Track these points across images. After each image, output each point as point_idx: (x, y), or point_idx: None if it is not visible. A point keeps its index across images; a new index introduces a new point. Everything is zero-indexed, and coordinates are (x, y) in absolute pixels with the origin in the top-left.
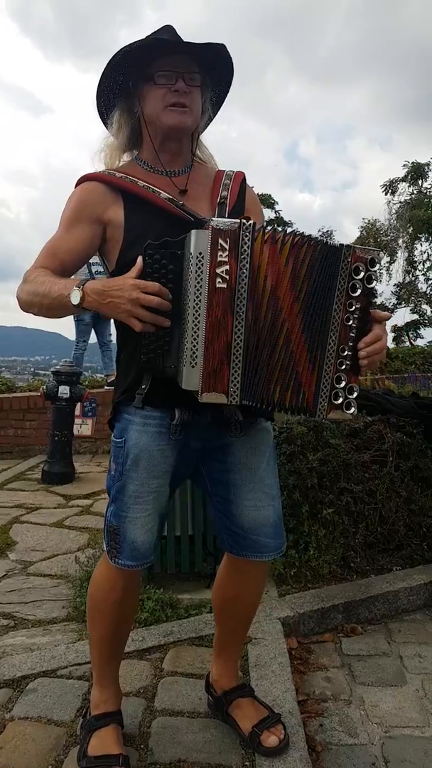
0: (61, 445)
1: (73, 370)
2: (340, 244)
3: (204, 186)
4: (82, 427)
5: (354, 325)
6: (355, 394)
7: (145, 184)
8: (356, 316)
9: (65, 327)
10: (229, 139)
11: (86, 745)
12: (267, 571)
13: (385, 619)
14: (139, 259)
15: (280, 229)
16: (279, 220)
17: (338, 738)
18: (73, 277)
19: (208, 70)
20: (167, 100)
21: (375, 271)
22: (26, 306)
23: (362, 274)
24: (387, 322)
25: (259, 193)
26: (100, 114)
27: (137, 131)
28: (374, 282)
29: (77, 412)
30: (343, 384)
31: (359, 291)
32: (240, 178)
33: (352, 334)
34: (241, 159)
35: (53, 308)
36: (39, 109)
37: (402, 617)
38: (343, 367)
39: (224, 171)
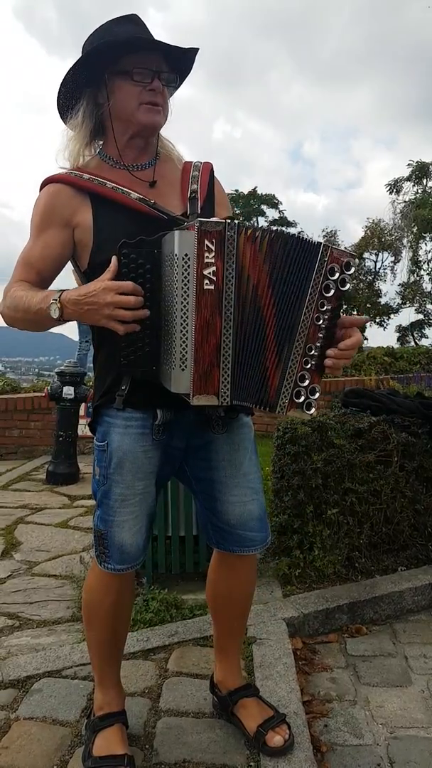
0: (65, 445)
1: (77, 370)
2: (318, 242)
3: (172, 179)
4: (87, 428)
5: (323, 326)
6: (317, 395)
7: (113, 184)
8: (326, 317)
9: (69, 328)
10: (233, 140)
11: (91, 745)
12: (256, 563)
13: (390, 620)
14: (114, 259)
15: (258, 225)
16: (283, 221)
17: (343, 738)
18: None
19: (174, 69)
20: (143, 98)
21: (349, 275)
22: (11, 322)
23: (337, 275)
24: (390, 322)
25: (263, 193)
26: (59, 105)
27: (99, 124)
28: (348, 285)
29: (81, 412)
30: (306, 383)
31: (332, 292)
32: (208, 169)
33: (320, 335)
34: (245, 159)
35: (36, 323)
36: (41, 109)
37: (407, 618)
38: (308, 366)
39: (192, 162)
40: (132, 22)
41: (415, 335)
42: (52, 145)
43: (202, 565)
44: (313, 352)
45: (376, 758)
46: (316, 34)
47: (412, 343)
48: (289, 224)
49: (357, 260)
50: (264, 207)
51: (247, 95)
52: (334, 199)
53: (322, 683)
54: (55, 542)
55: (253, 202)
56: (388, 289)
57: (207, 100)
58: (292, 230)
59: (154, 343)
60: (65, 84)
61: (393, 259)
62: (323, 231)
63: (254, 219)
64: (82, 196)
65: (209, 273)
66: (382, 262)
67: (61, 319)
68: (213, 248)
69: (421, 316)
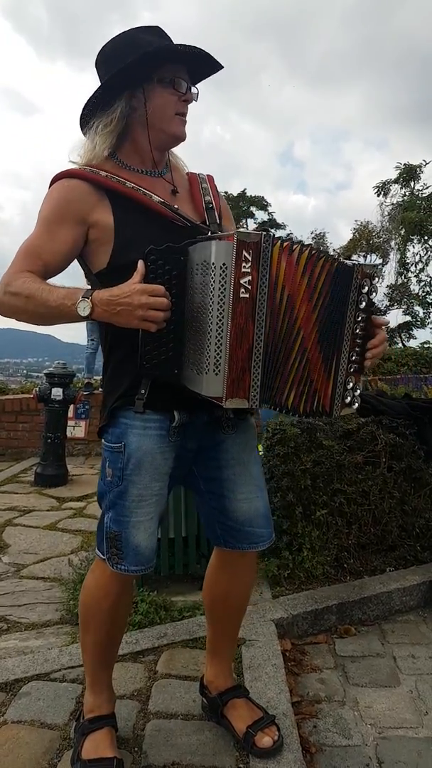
0: (54, 447)
1: (66, 372)
2: (352, 264)
3: (182, 189)
4: (75, 429)
5: (360, 333)
6: (359, 391)
7: (133, 185)
8: (362, 325)
9: (57, 328)
10: (223, 141)
11: (80, 748)
12: (256, 563)
13: (379, 620)
14: (140, 263)
15: (294, 239)
16: (272, 222)
17: (332, 739)
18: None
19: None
20: (177, 108)
21: (375, 286)
22: (12, 312)
23: (367, 288)
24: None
25: (252, 195)
26: (90, 101)
27: (124, 128)
28: (374, 294)
29: (70, 414)
30: (351, 385)
31: (364, 304)
32: (213, 181)
33: (359, 341)
34: (235, 161)
35: (50, 317)
36: (30, 109)
37: (395, 618)
38: (352, 370)
39: (196, 174)
40: (158, 35)
41: (403, 337)
42: (44, 144)
43: (191, 567)
44: (354, 357)
45: (365, 759)
46: (307, 36)
47: (400, 345)
48: (278, 226)
49: (380, 268)
50: (253, 209)
51: (238, 97)
52: (323, 200)
53: (311, 684)
54: (43, 545)
55: (242, 204)
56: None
57: (197, 100)
58: (281, 232)
59: (177, 347)
60: (109, 81)
61: (381, 261)
62: (312, 233)
63: (243, 221)
64: (99, 193)
65: (245, 282)
66: None
67: (89, 318)
68: (250, 259)
69: (408, 318)
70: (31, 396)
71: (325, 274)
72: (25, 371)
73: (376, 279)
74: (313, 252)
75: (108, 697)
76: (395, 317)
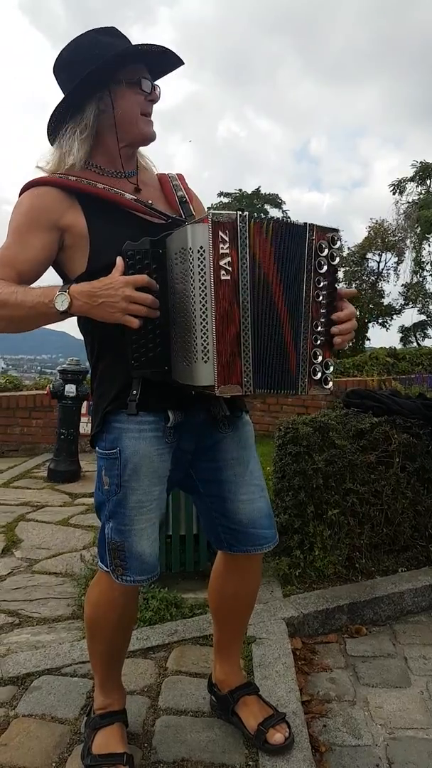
0: (67, 443)
1: (79, 368)
2: (303, 223)
3: (153, 188)
4: (89, 426)
5: (323, 301)
6: (332, 369)
7: (104, 186)
8: (324, 292)
9: (72, 326)
10: (238, 138)
11: (91, 743)
12: (262, 563)
13: (390, 621)
14: (119, 259)
15: (262, 216)
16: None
17: (342, 739)
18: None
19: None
20: (144, 108)
21: (337, 249)
22: None
23: (326, 251)
24: (393, 323)
25: (267, 193)
26: (62, 108)
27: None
28: (337, 259)
29: (83, 410)
30: (319, 359)
31: (325, 268)
32: (184, 179)
33: (323, 310)
34: (250, 158)
35: (28, 319)
36: (44, 106)
37: (407, 619)
38: (318, 342)
39: (167, 174)
40: (117, 35)
41: (418, 336)
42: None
43: (202, 564)
44: (319, 328)
45: (375, 759)
46: (324, 31)
47: (415, 344)
48: None
49: (340, 233)
50: (267, 207)
51: (254, 93)
52: (339, 198)
53: (321, 683)
54: (55, 540)
55: (256, 201)
56: (391, 290)
57: (213, 97)
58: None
59: (164, 343)
60: (77, 87)
61: (396, 259)
62: None
63: None
64: (70, 198)
65: (225, 263)
66: (386, 263)
67: (67, 313)
68: (227, 239)
69: (423, 317)
70: (45, 392)
71: (281, 237)
72: (39, 368)
73: (337, 243)
74: (275, 223)
75: (118, 694)
76: (410, 316)
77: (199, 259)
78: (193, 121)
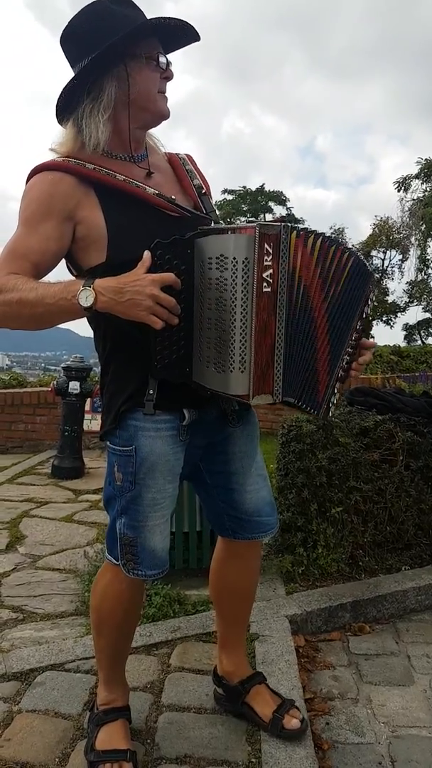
0: (71, 440)
1: (83, 365)
2: (371, 270)
3: (165, 172)
4: (92, 423)
5: (353, 343)
6: (335, 400)
7: (124, 177)
8: (357, 335)
9: (76, 323)
10: (243, 135)
11: (94, 738)
12: (261, 550)
13: (393, 619)
14: (146, 254)
15: (307, 228)
16: (290, 217)
17: (345, 736)
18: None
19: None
20: (160, 85)
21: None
22: (2, 319)
23: (370, 303)
24: (397, 321)
25: (271, 190)
26: (73, 85)
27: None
28: (368, 309)
29: (87, 407)
30: (336, 389)
31: (366, 314)
32: (194, 161)
33: (350, 350)
34: (255, 155)
35: (47, 316)
36: (49, 100)
37: (410, 617)
38: (340, 376)
39: (176, 155)
40: (130, 5)
41: (422, 334)
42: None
43: (205, 562)
44: (344, 364)
45: (378, 757)
46: (329, 27)
47: (419, 342)
48: (297, 221)
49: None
50: (271, 203)
51: (259, 89)
52: (344, 195)
53: (324, 681)
54: (59, 536)
55: (260, 198)
56: (396, 288)
57: (218, 93)
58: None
59: (187, 345)
60: (95, 60)
61: (401, 257)
62: (331, 228)
63: (261, 216)
64: (86, 187)
65: (267, 275)
66: (390, 260)
67: (91, 309)
68: (271, 251)
69: (428, 315)
70: (49, 389)
71: (336, 261)
72: (43, 365)
73: (373, 296)
74: (325, 241)
75: (122, 690)
76: (415, 314)
77: (243, 270)
78: (197, 117)
